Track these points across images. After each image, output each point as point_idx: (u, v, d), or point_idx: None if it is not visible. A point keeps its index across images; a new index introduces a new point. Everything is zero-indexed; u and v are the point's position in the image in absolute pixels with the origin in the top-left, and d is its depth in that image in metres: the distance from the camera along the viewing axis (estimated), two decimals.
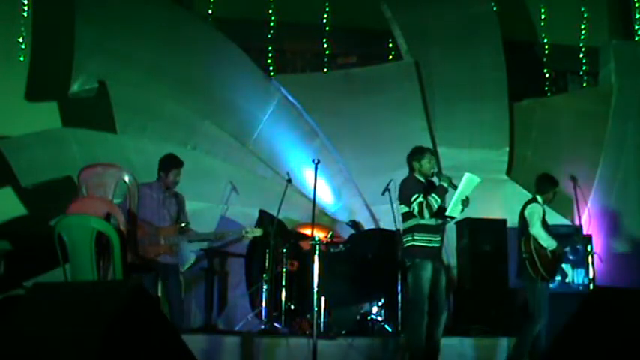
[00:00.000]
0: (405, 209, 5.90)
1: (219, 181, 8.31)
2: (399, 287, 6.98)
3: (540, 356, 5.92)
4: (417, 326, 5.73)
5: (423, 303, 5.71)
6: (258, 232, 6.62)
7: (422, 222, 5.79)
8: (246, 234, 6.61)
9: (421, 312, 5.71)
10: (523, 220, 6.40)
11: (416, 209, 5.74)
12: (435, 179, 5.98)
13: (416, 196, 5.74)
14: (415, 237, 5.81)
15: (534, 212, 6.31)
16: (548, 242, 6.26)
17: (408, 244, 5.87)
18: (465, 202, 5.76)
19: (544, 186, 6.53)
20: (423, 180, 5.93)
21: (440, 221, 5.87)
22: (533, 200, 6.47)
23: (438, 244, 5.84)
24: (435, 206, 5.72)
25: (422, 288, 5.71)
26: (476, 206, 8.40)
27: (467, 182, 5.72)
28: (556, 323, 5.79)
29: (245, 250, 8.10)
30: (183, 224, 6.22)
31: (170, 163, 6.33)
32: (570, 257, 7.87)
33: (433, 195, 5.74)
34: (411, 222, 5.86)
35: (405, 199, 5.87)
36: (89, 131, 8.32)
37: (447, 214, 5.78)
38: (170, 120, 8.56)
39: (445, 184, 5.82)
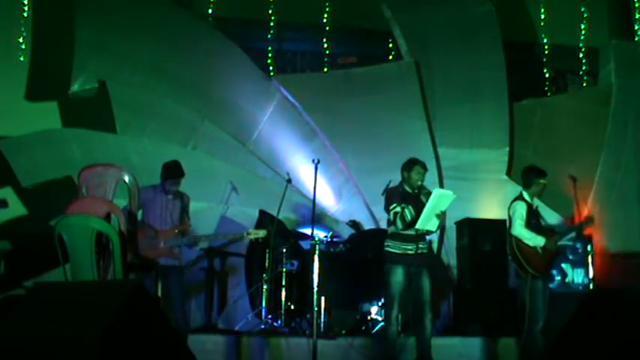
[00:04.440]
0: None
1: (219, 181, 8.30)
2: None
3: (540, 356, 5.88)
4: (386, 326, 6.01)
5: (392, 306, 5.92)
6: (262, 233, 6.45)
7: (398, 230, 5.93)
8: (247, 235, 6.51)
9: (389, 315, 5.96)
10: (509, 220, 6.22)
11: (391, 218, 5.95)
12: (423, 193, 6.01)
13: (394, 205, 5.92)
14: (389, 243, 6.01)
15: (515, 211, 6.09)
16: (534, 241, 6.00)
17: (384, 250, 6.06)
18: (440, 216, 5.86)
19: (528, 178, 6.23)
20: (410, 190, 6.01)
21: (415, 232, 5.93)
22: (518, 198, 6.21)
23: (412, 252, 5.93)
24: (409, 218, 5.86)
25: (390, 291, 5.93)
26: (476, 206, 8.50)
27: (437, 198, 5.79)
28: (556, 323, 5.78)
29: (245, 250, 8.11)
30: (181, 227, 6.15)
31: (166, 173, 6.14)
32: (570, 257, 7.87)
33: (410, 207, 5.87)
34: (390, 229, 6.06)
35: (385, 206, 6.04)
36: (89, 131, 8.31)
37: (416, 227, 5.85)
38: (170, 120, 8.55)
39: (424, 199, 5.90)
